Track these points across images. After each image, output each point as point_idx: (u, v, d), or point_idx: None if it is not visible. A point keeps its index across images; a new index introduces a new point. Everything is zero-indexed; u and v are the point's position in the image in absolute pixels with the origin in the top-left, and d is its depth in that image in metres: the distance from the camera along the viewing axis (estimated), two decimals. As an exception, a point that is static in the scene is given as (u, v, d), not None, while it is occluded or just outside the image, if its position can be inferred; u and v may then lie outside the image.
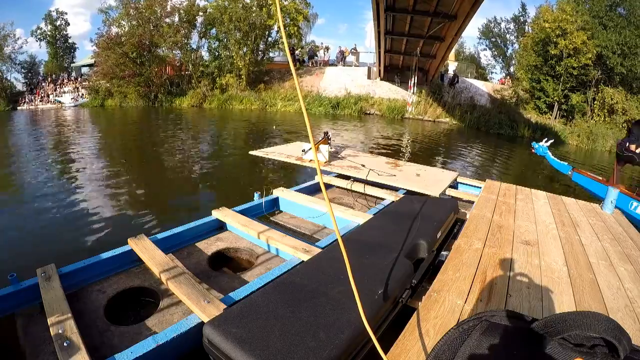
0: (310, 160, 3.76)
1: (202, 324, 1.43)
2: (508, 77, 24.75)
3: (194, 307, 1.54)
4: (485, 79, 26.32)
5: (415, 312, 1.40)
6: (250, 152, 4.30)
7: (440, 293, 1.54)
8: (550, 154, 5.58)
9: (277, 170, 6.32)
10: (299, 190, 3.43)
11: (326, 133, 4.08)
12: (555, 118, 17.48)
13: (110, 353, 1.32)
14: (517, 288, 1.62)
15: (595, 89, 17.08)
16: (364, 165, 3.75)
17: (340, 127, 13.19)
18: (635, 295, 1.66)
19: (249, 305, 1.36)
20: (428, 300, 1.48)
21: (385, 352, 1.15)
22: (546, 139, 6.01)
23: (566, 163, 5.46)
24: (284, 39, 0.87)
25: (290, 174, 5.95)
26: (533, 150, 5.86)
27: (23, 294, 1.67)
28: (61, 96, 19.95)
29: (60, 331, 1.34)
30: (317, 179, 3.84)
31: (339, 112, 17.70)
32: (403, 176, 3.54)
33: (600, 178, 5.10)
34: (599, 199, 4.73)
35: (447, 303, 1.47)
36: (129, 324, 1.65)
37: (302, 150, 3.88)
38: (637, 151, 4.60)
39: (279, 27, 19.42)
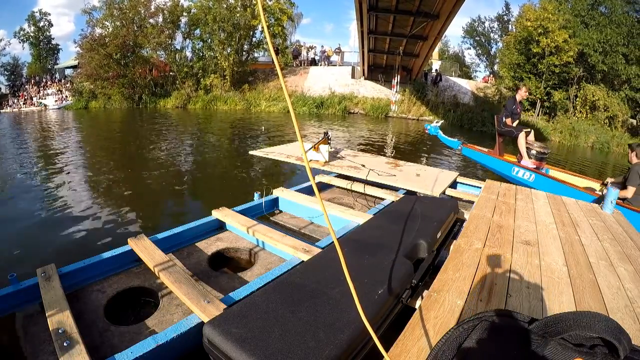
0: (310, 160, 3.76)
1: (202, 324, 1.43)
2: (491, 75, 24.97)
3: (194, 307, 1.54)
4: (470, 78, 26.77)
5: (415, 312, 1.40)
6: (250, 152, 4.30)
7: (440, 293, 1.54)
8: (441, 132, 6.08)
9: (277, 170, 6.33)
10: (299, 190, 3.43)
11: (326, 133, 4.08)
12: (538, 115, 17.77)
13: (110, 353, 1.32)
14: (517, 288, 1.61)
15: (577, 86, 17.43)
16: (364, 165, 3.75)
17: (325, 126, 13.23)
18: (635, 295, 1.66)
19: (249, 305, 1.36)
20: (428, 300, 1.48)
21: (385, 352, 1.15)
22: (436, 120, 6.66)
23: (456, 139, 5.98)
24: (268, 40, 0.86)
25: (290, 174, 5.95)
26: (426, 131, 6.35)
27: (23, 294, 1.67)
28: (45, 98, 19.70)
29: (60, 331, 1.34)
30: (317, 178, 3.84)
31: (323, 112, 17.81)
32: (403, 176, 3.54)
33: (486, 150, 5.70)
34: (485, 168, 5.89)
35: (447, 303, 1.47)
36: (129, 324, 1.65)
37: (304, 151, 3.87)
38: (514, 125, 5.25)
39: (262, 28, 19.47)
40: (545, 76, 16.97)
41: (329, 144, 4.04)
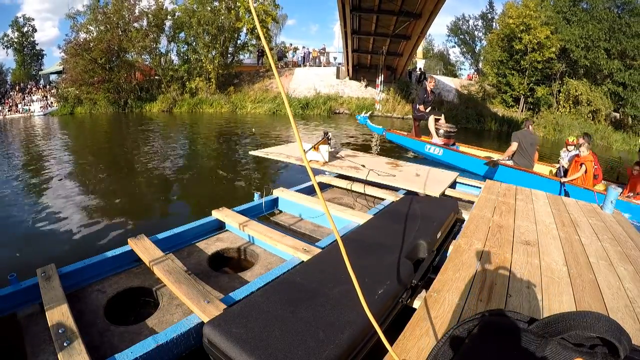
0: (310, 160, 3.76)
1: (202, 324, 1.43)
2: (475, 73, 25.29)
3: (194, 307, 1.54)
4: (455, 76, 27.21)
5: (415, 312, 1.40)
6: (251, 152, 4.30)
7: (440, 293, 1.54)
8: (369, 122, 7.13)
9: (276, 171, 6.33)
10: (299, 191, 3.43)
11: (326, 133, 4.08)
12: (522, 111, 18.01)
13: (110, 353, 1.32)
14: (517, 288, 1.62)
15: (560, 82, 17.67)
16: (364, 166, 3.75)
17: (311, 126, 13.18)
18: (635, 295, 1.66)
19: (249, 305, 1.36)
20: (428, 300, 1.48)
21: (384, 354, 1.15)
22: (365, 111, 7.91)
23: (381, 127, 7.03)
24: (264, 42, 0.87)
25: (290, 174, 5.94)
26: (357, 120, 7.34)
27: (23, 294, 1.67)
28: (30, 105, 19.42)
29: (60, 331, 1.34)
30: (317, 178, 3.84)
31: (308, 112, 17.87)
32: (403, 176, 3.54)
33: (406, 133, 6.84)
34: (408, 149, 6.94)
35: (447, 303, 1.47)
36: (129, 324, 1.65)
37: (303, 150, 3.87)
38: (427, 111, 6.27)
39: (248, 30, 19.44)
40: (528, 72, 17.25)
41: (329, 144, 4.04)
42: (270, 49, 21.43)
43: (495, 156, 5.67)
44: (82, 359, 1.23)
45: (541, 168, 5.64)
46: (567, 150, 5.36)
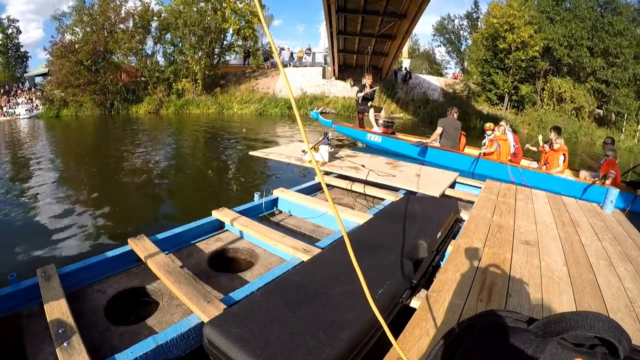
0: (310, 160, 3.76)
1: (202, 324, 1.43)
2: (461, 72, 25.69)
3: (194, 307, 1.54)
4: (441, 75, 27.53)
5: (415, 312, 1.40)
6: (251, 153, 4.30)
7: (440, 293, 1.54)
8: (321, 117, 7.87)
9: (276, 171, 6.32)
10: (299, 191, 3.43)
11: (326, 134, 4.08)
12: (507, 109, 18.28)
13: (110, 353, 1.32)
14: (517, 288, 1.62)
15: (543, 80, 17.97)
16: (363, 166, 3.75)
17: (296, 127, 13.11)
18: (635, 295, 1.66)
19: (249, 306, 1.36)
20: (428, 300, 1.48)
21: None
22: (317, 107, 8.89)
23: (330, 120, 7.88)
24: (272, 45, 0.87)
25: (290, 175, 5.95)
26: (310, 115, 8.08)
27: (23, 294, 1.67)
28: (15, 108, 19.16)
29: (60, 331, 1.34)
30: (317, 179, 3.83)
31: (295, 113, 17.85)
32: (403, 176, 3.54)
33: (351, 125, 7.71)
34: (352, 138, 7.97)
35: (447, 303, 1.47)
36: (129, 324, 1.65)
37: (302, 151, 3.88)
38: (369, 105, 7.16)
39: (234, 30, 19.52)
40: (512, 71, 17.52)
41: (329, 144, 4.04)
42: (257, 50, 21.61)
43: (425, 141, 6.44)
44: (82, 359, 1.23)
45: (469, 151, 6.26)
46: (487, 135, 6.14)
